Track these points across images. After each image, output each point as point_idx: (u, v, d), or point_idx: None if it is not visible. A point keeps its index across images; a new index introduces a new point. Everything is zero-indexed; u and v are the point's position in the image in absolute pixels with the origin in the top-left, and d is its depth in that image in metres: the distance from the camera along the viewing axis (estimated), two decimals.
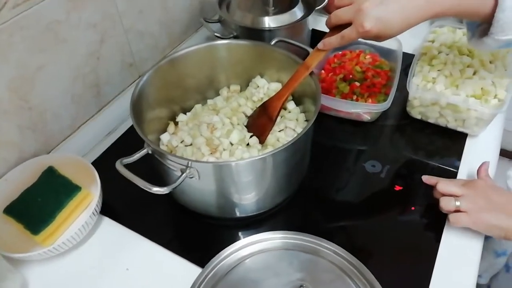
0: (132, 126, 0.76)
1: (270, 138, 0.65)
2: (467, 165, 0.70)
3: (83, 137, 0.75)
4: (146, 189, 0.51)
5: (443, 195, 0.59)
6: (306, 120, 0.69)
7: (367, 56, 0.88)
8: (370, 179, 0.68)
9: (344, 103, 0.75)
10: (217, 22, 0.86)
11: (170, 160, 0.54)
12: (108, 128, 0.79)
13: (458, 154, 0.72)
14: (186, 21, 0.91)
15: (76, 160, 0.65)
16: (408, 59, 0.83)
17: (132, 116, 0.57)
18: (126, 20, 0.76)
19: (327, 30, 0.90)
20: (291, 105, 0.70)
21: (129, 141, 0.75)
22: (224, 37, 0.80)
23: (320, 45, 0.61)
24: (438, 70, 0.75)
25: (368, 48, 0.90)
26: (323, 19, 1.04)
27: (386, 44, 0.87)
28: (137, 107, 0.61)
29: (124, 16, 0.76)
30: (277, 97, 0.65)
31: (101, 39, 0.73)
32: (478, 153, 0.72)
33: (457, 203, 0.57)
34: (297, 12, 0.85)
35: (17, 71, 0.61)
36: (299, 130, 0.66)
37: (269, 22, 0.83)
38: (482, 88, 0.71)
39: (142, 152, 0.56)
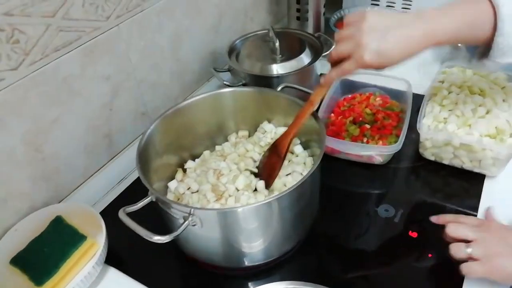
0: None
1: (277, 183, 0.64)
2: (486, 205, 0.66)
3: (94, 185, 0.76)
4: (148, 238, 0.50)
5: (455, 239, 0.55)
6: None
7: (377, 98, 0.88)
8: (383, 224, 0.66)
9: (354, 146, 0.75)
10: (227, 71, 0.89)
11: (173, 208, 0.54)
12: (119, 177, 0.80)
13: (476, 196, 0.68)
14: (197, 71, 0.95)
15: (84, 209, 0.65)
16: (419, 100, 0.82)
17: (138, 165, 0.58)
18: (139, 72, 0.80)
19: None
20: (298, 149, 0.70)
21: (139, 188, 0.74)
22: (233, 85, 0.82)
23: (321, 80, 0.62)
24: (449, 110, 0.73)
25: (378, 90, 0.90)
26: None
27: (396, 85, 0.88)
28: (144, 156, 0.62)
29: (137, 69, 0.79)
30: (284, 135, 0.65)
31: (114, 91, 0.76)
32: (498, 194, 0.68)
33: (469, 250, 0.52)
34: (304, 58, 0.87)
35: (32, 124, 0.63)
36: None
37: (277, 69, 0.84)
38: (496, 127, 0.68)
39: (147, 200, 0.56)
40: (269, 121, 0.75)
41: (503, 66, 0.55)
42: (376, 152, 0.73)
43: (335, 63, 0.59)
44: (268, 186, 0.64)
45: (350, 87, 0.91)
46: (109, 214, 0.65)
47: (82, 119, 0.71)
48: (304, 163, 0.68)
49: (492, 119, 0.69)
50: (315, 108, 0.63)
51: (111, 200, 0.74)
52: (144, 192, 0.56)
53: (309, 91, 0.71)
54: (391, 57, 0.53)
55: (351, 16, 0.56)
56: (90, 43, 0.68)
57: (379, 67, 0.55)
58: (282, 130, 0.73)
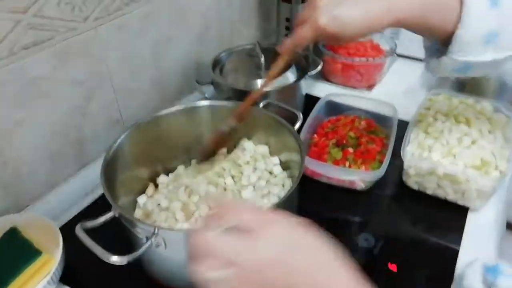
0: None
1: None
2: (470, 243, 0.63)
3: (59, 196, 0.71)
4: (104, 259, 0.46)
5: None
6: None
7: (362, 122, 0.85)
8: (361, 255, 0.62)
9: (336, 170, 0.72)
10: (210, 84, 0.86)
11: (136, 227, 0.49)
12: (86, 188, 0.74)
13: (459, 229, 0.66)
14: (179, 82, 0.91)
15: (43, 222, 0.60)
16: (404, 126, 0.79)
17: (102, 176, 0.54)
18: (116, 78, 0.76)
19: (321, 95, 0.90)
20: (277, 169, 0.67)
21: (107, 203, 0.70)
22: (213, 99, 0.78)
23: (278, 49, 0.57)
24: (434, 138, 0.71)
25: (363, 113, 0.88)
26: (318, 84, 1.05)
27: (382, 110, 0.86)
28: (112, 166, 0.58)
29: (114, 75, 0.75)
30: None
31: (87, 96, 0.72)
32: (481, 228, 0.66)
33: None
34: (290, 76, 0.85)
35: None
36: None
37: (261, 85, 0.82)
38: (481, 158, 0.66)
39: (109, 215, 0.52)
40: (249, 138, 0.72)
41: (456, 69, 0.51)
42: (359, 177, 0.70)
43: None
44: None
45: (335, 108, 0.89)
46: (71, 229, 0.59)
47: (49, 123, 0.67)
48: (283, 185, 0.65)
49: (478, 150, 0.67)
50: (271, 81, 0.61)
51: (75, 214, 0.69)
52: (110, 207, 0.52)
53: (292, 109, 0.69)
54: (348, 24, 0.48)
55: None
56: (64, 44, 0.64)
57: (335, 35, 0.49)
58: (262, 148, 0.70)
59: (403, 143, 0.70)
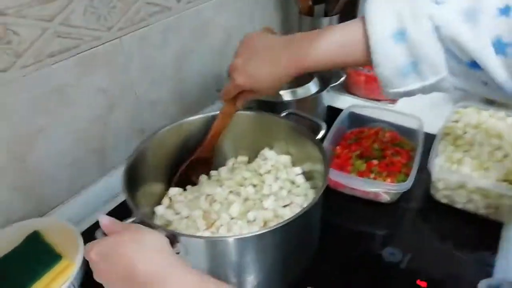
0: None
1: (266, 214, 0.58)
2: (505, 260, 0.60)
3: (80, 202, 0.71)
4: None
5: None
6: None
7: (386, 134, 0.83)
8: (387, 269, 0.59)
9: (360, 181, 0.69)
10: None
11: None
12: (108, 196, 0.74)
13: (492, 246, 0.62)
14: (200, 93, 0.91)
15: (64, 227, 0.60)
16: (429, 139, 0.77)
17: (124, 180, 0.53)
18: (138, 88, 0.76)
19: (344, 107, 0.89)
20: (299, 179, 0.65)
21: (128, 210, 0.70)
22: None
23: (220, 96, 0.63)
24: (464, 151, 0.69)
25: (387, 126, 0.86)
26: (341, 96, 1.04)
27: (406, 122, 0.83)
28: (134, 173, 0.57)
29: (136, 84, 0.76)
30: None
31: (110, 105, 0.72)
32: None
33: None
34: (312, 87, 0.84)
35: (18, 131, 0.59)
36: None
37: (283, 95, 0.81)
38: None
39: (129, 221, 0.51)
40: (270, 148, 0.70)
41: (397, 96, 0.48)
42: (384, 189, 0.68)
43: None
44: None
45: (358, 120, 0.87)
46: (92, 234, 0.59)
47: (72, 131, 0.67)
48: (306, 195, 0.63)
49: (510, 164, 0.64)
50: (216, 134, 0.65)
51: (96, 220, 0.68)
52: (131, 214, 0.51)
53: (314, 119, 0.68)
54: (261, 80, 0.54)
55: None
56: (89, 52, 0.65)
57: (253, 89, 0.56)
58: (284, 158, 0.68)
59: (430, 155, 0.68)
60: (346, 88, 1.04)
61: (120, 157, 0.78)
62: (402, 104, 1.00)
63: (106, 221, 0.46)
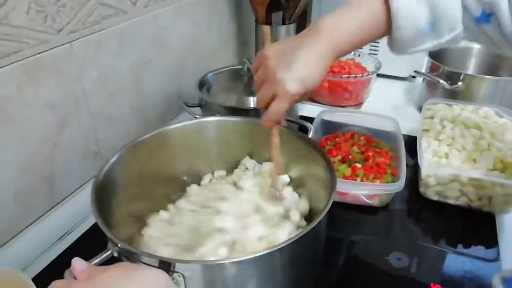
0: (92, 227, 0.62)
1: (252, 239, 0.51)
2: (509, 251, 0.58)
3: (27, 243, 0.58)
4: None
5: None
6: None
7: (361, 138, 0.80)
8: (398, 276, 0.54)
9: (355, 185, 0.65)
10: (197, 106, 0.78)
11: (146, 264, 0.39)
12: (60, 232, 0.62)
13: (492, 238, 0.60)
14: (162, 106, 0.83)
15: (11, 275, 0.47)
16: (404, 139, 0.75)
17: (94, 205, 0.43)
18: (94, 102, 0.66)
19: (311, 115, 0.85)
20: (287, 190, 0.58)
21: (88, 246, 0.58)
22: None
23: (263, 125, 0.54)
24: (448, 145, 0.67)
25: (360, 129, 0.83)
26: (305, 106, 1.01)
27: (379, 125, 0.82)
28: (103, 194, 0.47)
29: (91, 98, 0.65)
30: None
31: (60, 122, 0.61)
32: None
33: None
34: None
35: None
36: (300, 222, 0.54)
37: (255, 101, 0.75)
38: (501, 160, 0.63)
39: (104, 256, 0.41)
40: (251, 157, 0.64)
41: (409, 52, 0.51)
42: (379, 190, 0.64)
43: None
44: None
45: (330, 127, 0.84)
46: (46, 280, 0.47)
47: (15, 154, 0.55)
48: (297, 206, 0.56)
49: (497, 153, 0.64)
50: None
51: (48, 262, 0.56)
52: (95, 250, 0.41)
53: (299, 121, 0.63)
54: (311, 76, 0.49)
55: (255, 62, 0.53)
56: (33, 59, 0.55)
57: (306, 93, 0.50)
58: (268, 165, 0.62)
59: (418, 151, 0.65)
60: (310, 97, 1.01)
61: (72, 186, 0.67)
62: (366, 109, 0.99)
63: (82, 267, 0.36)
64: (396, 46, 0.50)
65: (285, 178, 0.61)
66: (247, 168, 0.63)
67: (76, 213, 0.64)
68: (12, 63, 0.52)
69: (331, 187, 0.47)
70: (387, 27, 0.48)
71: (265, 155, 0.63)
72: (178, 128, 0.58)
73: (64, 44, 0.58)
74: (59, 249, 0.59)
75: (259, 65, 0.51)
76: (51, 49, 0.57)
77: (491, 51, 0.97)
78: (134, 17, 0.70)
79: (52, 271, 0.54)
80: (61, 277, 0.38)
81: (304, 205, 0.57)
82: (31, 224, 0.60)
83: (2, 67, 0.51)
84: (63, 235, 0.62)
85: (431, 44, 0.48)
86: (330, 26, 0.49)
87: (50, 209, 0.63)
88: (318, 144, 0.55)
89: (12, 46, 0.51)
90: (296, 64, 0.48)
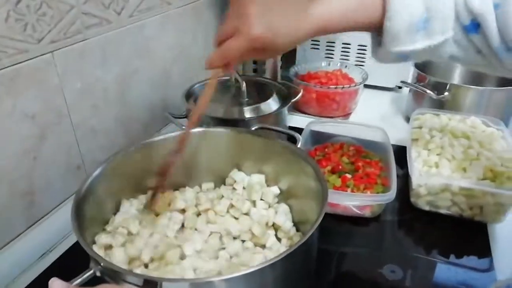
0: (75, 245, 0.59)
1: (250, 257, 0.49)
2: (502, 258, 0.57)
3: (4, 263, 0.55)
4: None
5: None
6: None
7: (351, 148, 0.80)
8: None
9: (346, 196, 0.64)
10: (184, 117, 0.76)
11: (130, 283, 0.36)
12: (40, 250, 0.59)
13: (485, 248, 0.60)
14: (147, 118, 0.81)
15: None
16: (394, 149, 0.75)
17: (74, 222, 0.41)
18: (76, 114, 0.64)
19: (299, 126, 0.84)
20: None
21: (71, 265, 0.55)
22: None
23: (205, 65, 0.49)
24: (437, 154, 0.67)
25: (349, 139, 0.83)
26: (293, 117, 1.00)
27: (368, 135, 0.81)
28: (83, 210, 0.45)
29: (73, 109, 0.63)
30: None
31: (40, 135, 0.59)
32: (506, 240, 0.60)
33: None
34: (272, 103, 0.78)
35: None
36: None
37: (244, 112, 0.74)
38: (491, 169, 0.63)
39: (86, 276, 0.38)
40: (239, 169, 0.62)
41: (395, 58, 0.49)
42: (371, 201, 0.63)
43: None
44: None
45: (318, 137, 0.83)
46: None
47: None
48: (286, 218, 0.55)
49: (486, 161, 0.64)
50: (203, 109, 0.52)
51: (28, 283, 0.53)
52: (79, 268, 0.38)
53: (287, 131, 0.62)
54: (280, 35, 0.44)
55: None
56: (12, 68, 0.52)
57: (265, 46, 0.45)
58: (257, 177, 0.60)
59: (408, 160, 0.65)
60: (297, 108, 1.01)
61: (53, 201, 0.64)
62: (354, 119, 0.99)
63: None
64: (385, 43, 0.47)
65: (275, 189, 0.59)
66: (235, 181, 0.61)
67: (58, 229, 0.61)
68: None
69: (323, 198, 0.46)
70: (380, 17, 0.46)
71: (254, 167, 0.61)
72: (165, 140, 0.56)
73: (44, 54, 0.56)
74: (39, 268, 0.56)
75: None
76: (30, 59, 0.54)
77: None
78: (118, 27, 0.69)
79: None
80: None
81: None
82: (9, 242, 0.57)
83: None
84: (44, 253, 0.59)
85: (421, 44, 0.46)
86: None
87: (30, 226, 0.60)
88: (307, 155, 0.54)
89: None
90: (273, 7, 0.44)
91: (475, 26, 0.44)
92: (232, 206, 0.58)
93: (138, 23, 0.73)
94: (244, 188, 0.60)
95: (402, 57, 0.48)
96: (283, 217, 0.55)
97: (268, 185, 0.61)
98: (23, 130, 0.56)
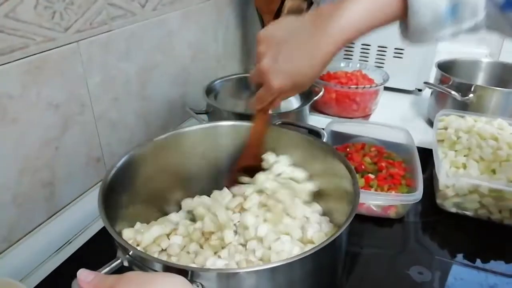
0: (94, 237, 0.58)
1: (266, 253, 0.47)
2: None
3: (25, 252, 0.54)
4: None
5: None
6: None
7: (372, 149, 0.78)
8: None
9: (371, 195, 0.62)
10: (204, 113, 0.75)
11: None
12: (60, 241, 0.58)
13: None
14: (165, 113, 0.80)
15: (8, 285, 0.43)
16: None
17: (102, 209, 0.40)
18: (98, 105, 0.63)
19: (321, 126, 0.83)
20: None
21: (90, 256, 0.55)
22: None
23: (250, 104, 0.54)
24: (465, 156, 0.65)
25: (370, 140, 0.81)
26: (312, 116, 0.99)
27: (391, 137, 0.80)
28: (111, 199, 0.44)
29: (95, 100, 0.63)
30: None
31: (63, 125, 0.58)
32: None
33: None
34: (293, 101, 0.77)
35: None
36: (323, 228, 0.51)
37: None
38: None
39: (114, 265, 0.37)
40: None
41: (426, 40, 0.46)
42: (397, 201, 0.61)
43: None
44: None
45: (339, 137, 0.81)
46: None
47: (15, 156, 0.52)
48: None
49: None
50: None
51: (48, 273, 0.52)
52: (98, 260, 0.37)
53: (312, 127, 0.60)
54: (300, 72, 0.45)
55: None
56: (39, 56, 0.52)
57: (295, 87, 0.47)
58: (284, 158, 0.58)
59: (435, 161, 0.63)
60: (316, 107, 1.00)
61: (73, 193, 0.63)
62: (374, 120, 0.98)
63: (87, 278, 0.33)
64: (412, 34, 0.44)
65: (310, 186, 0.57)
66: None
67: (77, 222, 0.60)
68: (16, 59, 0.49)
69: (354, 196, 0.44)
70: (402, 13, 0.43)
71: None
72: (191, 131, 0.55)
73: (71, 43, 0.56)
74: (58, 259, 0.55)
75: (259, 42, 0.48)
76: (57, 47, 0.54)
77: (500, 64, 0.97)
78: (142, 20, 0.68)
79: (51, 283, 0.51)
80: None
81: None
82: (29, 232, 0.56)
83: (7, 63, 0.48)
84: (63, 245, 0.58)
85: (450, 30, 0.43)
86: (335, 14, 0.44)
87: (50, 217, 0.59)
88: (340, 154, 0.53)
89: (17, 41, 0.49)
90: (286, 54, 0.44)
91: (510, 3, 0.41)
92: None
93: (161, 17, 0.73)
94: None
95: (432, 39, 0.45)
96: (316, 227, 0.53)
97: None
98: (47, 120, 0.56)
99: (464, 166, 0.63)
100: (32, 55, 0.51)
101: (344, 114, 0.97)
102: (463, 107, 0.85)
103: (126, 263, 0.37)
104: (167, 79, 0.79)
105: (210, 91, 0.79)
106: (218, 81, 0.81)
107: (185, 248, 0.48)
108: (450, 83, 0.87)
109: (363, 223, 0.63)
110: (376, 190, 0.66)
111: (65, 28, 0.54)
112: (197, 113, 0.73)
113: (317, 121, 0.95)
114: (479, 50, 1.31)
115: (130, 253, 0.37)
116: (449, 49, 1.10)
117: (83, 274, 0.33)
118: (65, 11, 0.54)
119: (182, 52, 0.82)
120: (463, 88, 0.84)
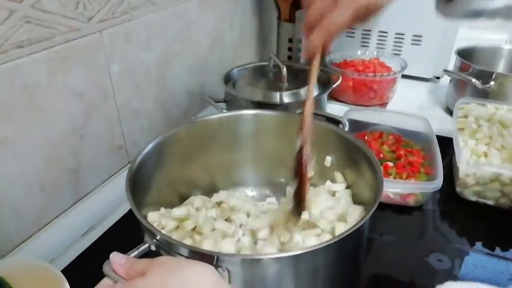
0: (118, 223, 0.60)
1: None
2: None
3: (52, 236, 0.56)
4: None
5: None
6: None
7: (390, 137, 0.78)
8: (442, 278, 0.52)
9: (392, 183, 0.62)
10: (222, 101, 0.76)
11: (185, 256, 0.37)
12: (86, 225, 0.60)
13: None
14: (185, 102, 0.81)
15: (39, 268, 0.45)
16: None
17: (129, 192, 0.41)
18: (120, 94, 0.65)
19: (339, 114, 0.83)
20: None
21: (114, 241, 0.57)
22: None
23: (304, 54, 0.45)
24: (486, 144, 0.65)
25: (388, 128, 0.81)
26: (329, 104, 0.98)
27: (409, 125, 0.79)
28: (138, 183, 0.45)
29: (117, 89, 0.64)
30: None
31: (87, 113, 0.60)
32: None
33: None
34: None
35: None
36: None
37: (283, 97, 0.73)
38: None
39: (142, 249, 0.38)
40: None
41: (466, 14, 0.45)
42: (417, 189, 0.61)
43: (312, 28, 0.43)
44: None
45: (356, 125, 0.81)
46: (73, 274, 0.45)
47: (42, 143, 0.54)
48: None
49: None
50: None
51: (75, 256, 0.54)
52: (122, 245, 0.38)
53: (334, 116, 0.60)
54: None
55: None
56: (65, 46, 0.53)
57: (374, 5, 0.41)
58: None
59: (455, 149, 0.63)
60: (333, 95, 0.99)
61: (97, 179, 0.65)
62: (392, 108, 0.97)
63: (120, 261, 0.34)
64: (457, 3, 0.42)
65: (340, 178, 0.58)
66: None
67: (101, 207, 0.62)
68: (43, 49, 0.50)
69: (378, 185, 0.45)
70: None
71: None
72: (216, 119, 0.56)
73: (94, 33, 0.57)
74: (85, 244, 0.57)
75: None
76: (81, 37, 0.55)
77: None
78: (162, 9, 0.69)
79: (79, 265, 0.53)
80: (88, 272, 0.36)
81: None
82: (56, 217, 0.58)
83: (34, 52, 0.49)
84: (88, 230, 0.60)
85: (501, 3, 0.41)
86: None
87: (76, 203, 0.61)
88: (362, 142, 0.53)
89: (43, 32, 0.50)
90: None
91: None
92: None
93: (179, 6, 0.73)
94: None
95: (474, 14, 0.44)
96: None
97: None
98: (72, 108, 0.57)
99: (485, 155, 0.63)
100: (58, 45, 0.52)
101: (361, 102, 0.97)
102: (483, 95, 0.83)
103: (153, 247, 0.38)
104: (186, 68, 0.80)
105: (228, 79, 0.79)
106: (236, 69, 0.82)
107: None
108: (470, 70, 0.85)
109: (382, 210, 0.64)
110: (395, 177, 0.66)
111: (88, 18, 0.55)
112: (216, 102, 0.74)
113: (334, 109, 0.94)
114: (499, 36, 1.28)
115: (158, 238, 0.38)
116: (467, 36, 1.08)
117: (116, 257, 0.35)
118: (88, 1, 0.55)
119: (200, 41, 0.83)
120: (484, 76, 0.83)
